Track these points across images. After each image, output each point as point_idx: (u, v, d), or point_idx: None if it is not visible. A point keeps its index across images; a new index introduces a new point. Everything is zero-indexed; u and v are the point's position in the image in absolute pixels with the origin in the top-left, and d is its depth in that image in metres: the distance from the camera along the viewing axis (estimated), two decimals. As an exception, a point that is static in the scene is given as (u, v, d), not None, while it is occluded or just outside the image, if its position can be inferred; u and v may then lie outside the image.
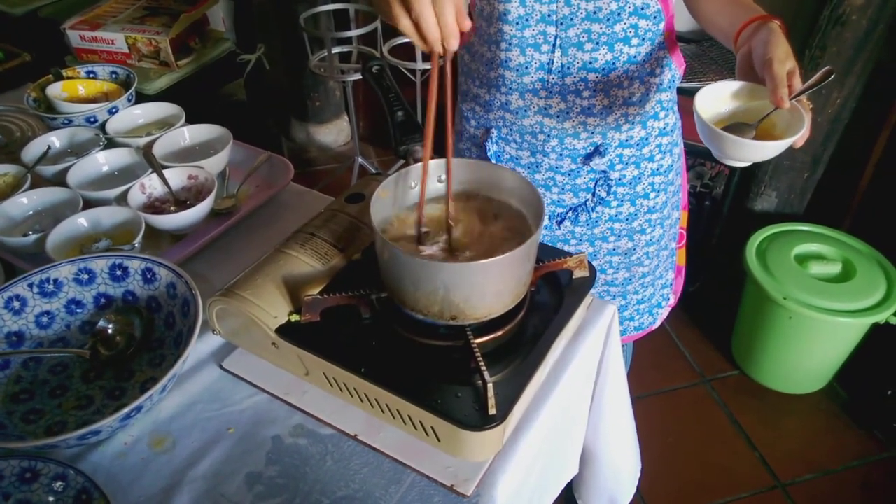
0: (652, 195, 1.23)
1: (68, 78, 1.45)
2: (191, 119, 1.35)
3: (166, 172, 1.18)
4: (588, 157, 1.17)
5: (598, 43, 1.06)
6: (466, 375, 0.80)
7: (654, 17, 1.05)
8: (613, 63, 1.08)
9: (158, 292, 0.97)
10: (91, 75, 1.48)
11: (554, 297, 0.93)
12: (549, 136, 1.17)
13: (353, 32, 2.56)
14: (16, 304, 0.94)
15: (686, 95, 2.12)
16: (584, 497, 1.28)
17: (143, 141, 1.26)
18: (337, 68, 2.67)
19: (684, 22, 2.60)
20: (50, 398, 0.91)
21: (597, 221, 1.24)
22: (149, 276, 0.97)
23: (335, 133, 3.36)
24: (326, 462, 0.84)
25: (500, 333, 0.84)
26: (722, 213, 2.27)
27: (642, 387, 2.16)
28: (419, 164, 0.90)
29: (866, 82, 2.00)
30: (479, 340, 0.81)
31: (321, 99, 3.22)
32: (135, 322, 0.97)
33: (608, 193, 1.21)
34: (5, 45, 2.04)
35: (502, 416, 0.76)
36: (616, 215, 1.23)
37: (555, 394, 0.92)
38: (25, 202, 1.14)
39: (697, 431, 2.07)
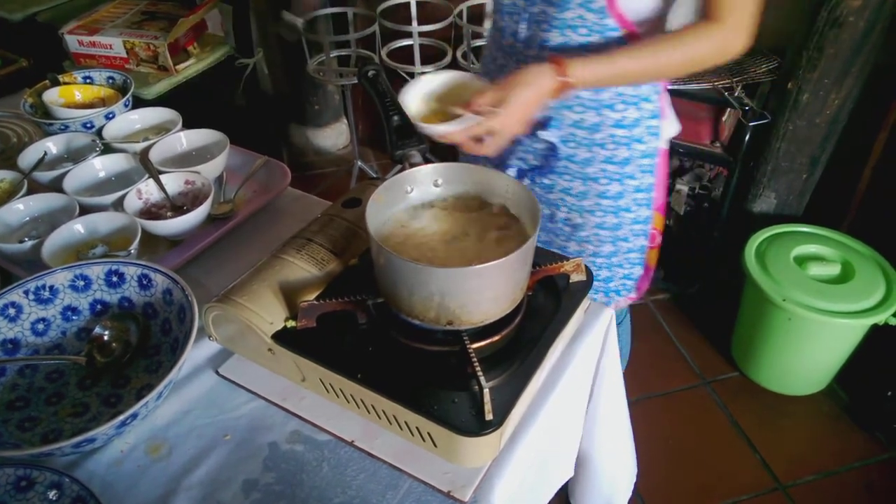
0: (603, 181, 1.26)
1: (65, 83, 1.44)
2: (189, 124, 1.35)
3: (163, 178, 1.18)
4: (539, 125, 1.22)
5: (551, 25, 1.10)
6: (463, 381, 0.80)
7: (600, 13, 1.08)
8: (564, 46, 1.12)
9: (155, 298, 0.97)
10: (88, 80, 1.48)
11: (551, 301, 0.93)
12: None
13: (352, 36, 2.56)
14: (11, 310, 0.94)
15: (684, 97, 2.13)
16: (579, 500, 1.28)
17: (139, 146, 1.26)
18: (335, 72, 2.67)
19: (682, 23, 2.59)
20: (46, 405, 0.90)
21: (551, 188, 1.29)
22: (145, 283, 0.97)
23: (334, 137, 3.36)
24: (323, 468, 0.84)
25: (496, 338, 0.84)
26: (721, 215, 2.27)
27: (642, 388, 2.16)
28: (415, 168, 0.90)
29: (864, 84, 2.00)
30: (475, 345, 0.81)
31: (320, 103, 3.22)
32: (131, 328, 0.96)
33: (558, 165, 1.26)
34: (2, 51, 2.04)
35: (499, 421, 0.76)
36: (568, 189, 1.27)
37: (552, 398, 0.92)
38: (22, 208, 1.14)
39: (697, 433, 2.06)
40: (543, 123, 1.22)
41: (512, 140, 1.08)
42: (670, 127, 1.27)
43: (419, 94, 1.11)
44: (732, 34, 1.04)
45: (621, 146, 1.22)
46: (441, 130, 1.02)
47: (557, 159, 1.25)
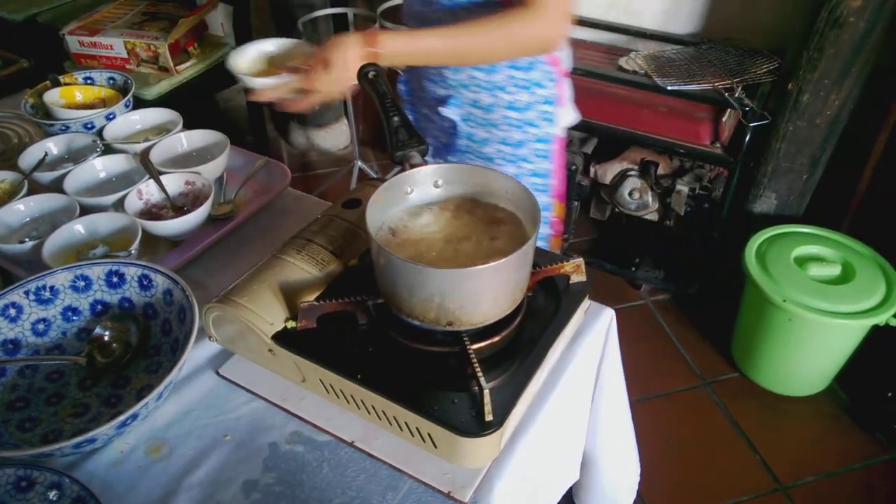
0: (499, 162, 1.31)
1: (66, 84, 1.45)
2: (190, 124, 1.35)
3: (163, 178, 1.18)
4: (440, 102, 1.28)
5: None
6: (463, 381, 0.80)
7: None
8: (454, 9, 1.15)
9: (155, 299, 0.97)
10: (88, 81, 1.48)
11: (551, 302, 0.93)
12: (425, 70, 1.30)
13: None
14: (12, 311, 0.94)
15: (684, 98, 2.13)
16: (584, 501, 1.28)
17: (140, 147, 1.26)
18: (335, 72, 2.66)
19: (682, 24, 2.60)
20: (46, 406, 0.90)
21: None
22: (145, 283, 0.97)
23: (335, 137, 3.36)
24: (323, 469, 0.84)
25: (496, 339, 0.84)
26: (721, 216, 2.27)
27: (642, 389, 2.16)
28: (415, 169, 0.90)
29: (864, 84, 2.00)
30: (475, 346, 0.81)
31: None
32: (131, 329, 0.97)
33: (460, 143, 1.32)
34: (3, 51, 2.04)
35: (499, 422, 0.76)
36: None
37: (552, 399, 0.92)
38: (22, 209, 1.14)
39: (698, 434, 2.06)
40: (444, 100, 1.27)
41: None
42: (568, 115, 1.31)
43: (253, 54, 1.21)
44: (542, 21, 1.05)
45: (514, 128, 1.27)
46: (257, 83, 1.09)
47: (459, 137, 1.30)
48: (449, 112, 1.28)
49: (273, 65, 1.20)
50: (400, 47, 1.06)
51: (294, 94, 1.08)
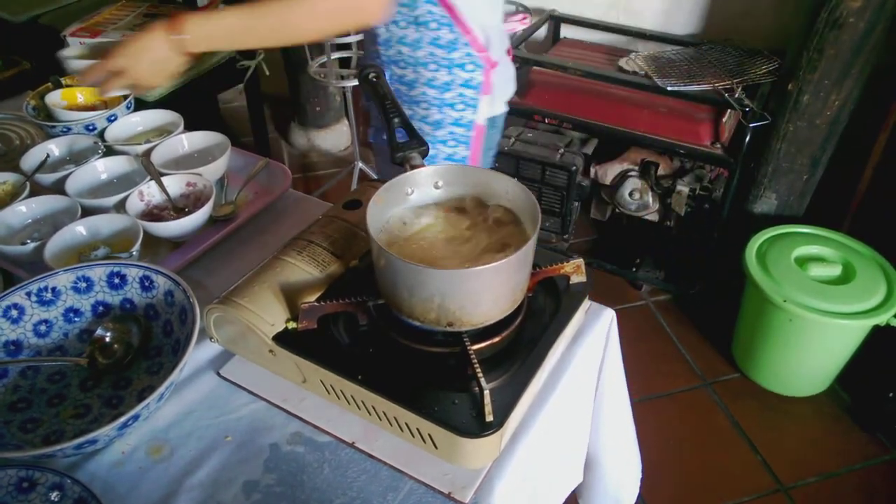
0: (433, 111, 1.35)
1: (67, 86, 1.45)
2: (190, 126, 1.35)
3: (165, 180, 1.19)
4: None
5: None
6: (463, 382, 0.80)
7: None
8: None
9: (156, 300, 0.98)
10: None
11: (551, 302, 0.93)
12: (367, 46, 1.36)
13: (353, 38, 2.56)
14: (14, 312, 0.94)
15: (684, 98, 2.13)
16: (587, 501, 1.28)
17: (141, 148, 1.26)
18: (336, 74, 2.67)
19: (682, 25, 2.61)
20: (48, 407, 0.91)
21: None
22: (147, 284, 0.98)
23: (335, 138, 3.36)
24: (324, 470, 0.84)
25: (497, 340, 0.84)
26: (721, 216, 2.27)
27: (643, 390, 2.16)
28: (416, 170, 0.90)
29: (864, 85, 2.00)
30: (476, 347, 0.81)
31: (321, 104, 3.23)
32: (133, 330, 0.97)
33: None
34: (5, 53, 2.04)
35: (499, 422, 0.76)
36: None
37: (552, 400, 0.92)
38: (24, 210, 1.14)
39: (699, 434, 2.06)
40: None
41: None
42: (492, 106, 1.33)
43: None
44: None
45: (434, 108, 1.30)
46: (79, 66, 1.17)
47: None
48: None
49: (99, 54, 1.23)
50: (207, 31, 1.04)
51: (108, 75, 1.08)
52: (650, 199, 2.47)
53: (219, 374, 0.96)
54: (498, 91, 1.34)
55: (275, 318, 0.87)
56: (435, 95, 1.30)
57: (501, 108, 1.39)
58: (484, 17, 1.27)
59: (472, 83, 1.28)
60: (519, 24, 1.46)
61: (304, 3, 1.02)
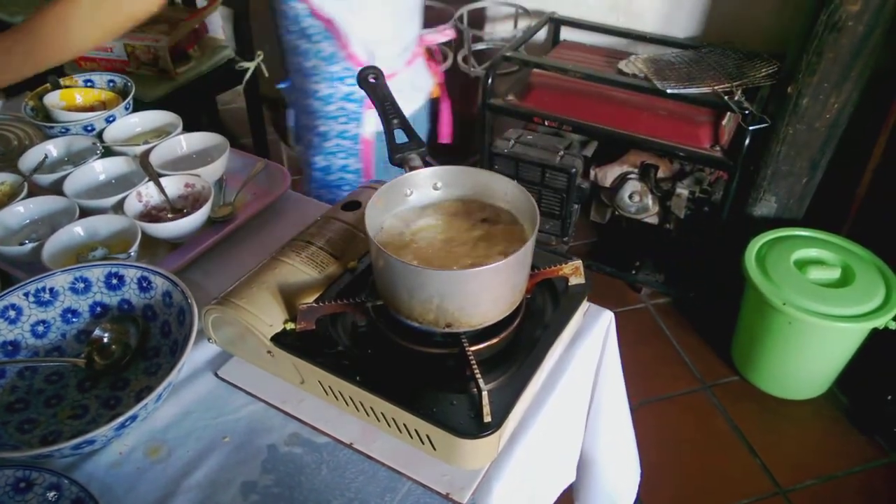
0: (311, 151, 1.42)
1: (66, 86, 1.45)
2: (189, 127, 1.35)
3: (163, 181, 1.18)
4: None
5: None
6: (462, 383, 0.80)
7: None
8: None
9: (154, 301, 0.97)
10: (88, 84, 1.48)
11: (549, 304, 0.93)
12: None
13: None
14: (11, 313, 0.94)
15: (684, 101, 2.13)
16: (584, 503, 1.28)
17: (140, 149, 1.26)
18: (336, 75, 2.67)
19: (682, 27, 2.61)
20: (45, 407, 0.90)
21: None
22: (144, 285, 0.97)
23: (334, 140, 3.36)
24: (322, 471, 0.84)
25: (495, 341, 0.84)
26: (721, 219, 2.27)
27: (643, 393, 2.16)
28: (415, 171, 0.90)
29: (863, 88, 2.00)
30: (474, 348, 0.81)
31: (320, 106, 3.22)
32: (130, 331, 0.96)
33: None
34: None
35: (497, 423, 0.76)
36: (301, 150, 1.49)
37: (551, 401, 0.92)
38: (22, 211, 1.14)
39: (698, 437, 2.06)
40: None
41: None
42: (376, 120, 1.33)
43: None
44: None
45: (320, 119, 1.34)
46: None
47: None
48: (283, 86, 1.39)
49: None
50: None
51: None
52: (650, 202, 2.47)
53: (217, 374, 0.96)
54: None
55: (273, 318, 0.87)
56: (319, 107, 1.33)
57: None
58: (366, 32, 1.27)
59: (353, 97, 1.30)
60: (441, 37, 1.44)
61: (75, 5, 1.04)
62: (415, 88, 1.44)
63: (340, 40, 1.26)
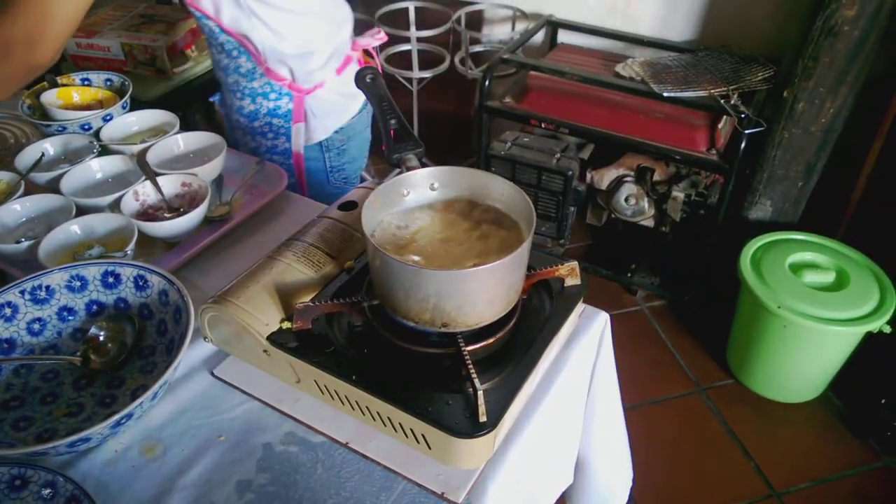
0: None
1: (63, 85, 1.45)
2: (187, 126, 1.35)
3: (160, 180, 1.18)
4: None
5: None
6: (457, 383, 0.80)
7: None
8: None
9: (150, 299, 0.97)
10: (86, 83, 1.48)
11: (545, 304, 0.94)
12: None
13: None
14: (7, 310, 0.94)
15: (680, 105, 2.14)
16: (577, 504, 1.28)
17: (137, 148, 1.26)
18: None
19: (679, 31, 2.62)
20: (41, 405, 0.90)
21: None
22: (141, 284, 0.97)
23: (331, 141, 3.36)
24: (317, 470, 0.84)
25: (491, 341, 0.84)
26: (716, 222, 2.28)
27: (638, 395, 2.16)
28: (412, 171, 0.90)
29: (859, 93, 2.01)
30: (470, 348, 0.81)
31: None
32: (126, 329, 0.96)
33: (234, 133, 1.46)
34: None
35: (493, 423, 0.76)
36: None
37: (546, 401, 0.92)
38: (18, 209, 1.14)
39: (692, 440, 2.07)
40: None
41: None
42: (313, 132, 1.36)
43: None
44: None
45: (248, 135, 1.35)
46: None
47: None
48: (216, 99, 1.41)
49: None
50: None
51: None
52: (646, 205, 2.48)
53: (213, 373, 0.96)
54: (318, 117, 1.34)
55: (269, 318, 0.87)
56: (246, 124, 1.32)
57: (326, 133, 1.37)
58: (284, 47, 1.26)
59: (279, 112, 1.30)
60: (373, 40, 1.43)
61: None
62: (347, 97, 1.42)
63: (257, 57, 1.26)
